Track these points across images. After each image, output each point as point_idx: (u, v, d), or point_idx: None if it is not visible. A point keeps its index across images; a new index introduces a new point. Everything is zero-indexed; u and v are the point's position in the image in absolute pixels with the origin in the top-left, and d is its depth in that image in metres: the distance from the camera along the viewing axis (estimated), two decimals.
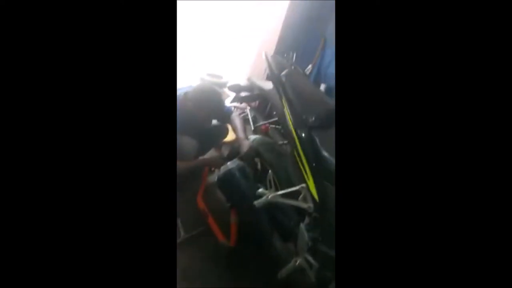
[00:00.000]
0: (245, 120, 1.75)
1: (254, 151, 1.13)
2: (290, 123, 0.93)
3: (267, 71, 1.15)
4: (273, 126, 1.59)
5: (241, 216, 1.15)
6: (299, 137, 0.91)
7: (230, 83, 2.63)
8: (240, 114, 1.84)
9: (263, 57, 1.04)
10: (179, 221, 1.29)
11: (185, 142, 1.27)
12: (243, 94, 1.26)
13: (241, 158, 1.15)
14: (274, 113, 1.64)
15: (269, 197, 0.96)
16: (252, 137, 1.19)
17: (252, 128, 1.78)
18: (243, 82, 2.31)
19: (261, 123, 1.48)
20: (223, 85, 2.55)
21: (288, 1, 1.99)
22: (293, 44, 2.16)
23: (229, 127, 1.47)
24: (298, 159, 0.94)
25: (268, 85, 1.11)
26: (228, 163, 1.08)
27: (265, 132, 1.65)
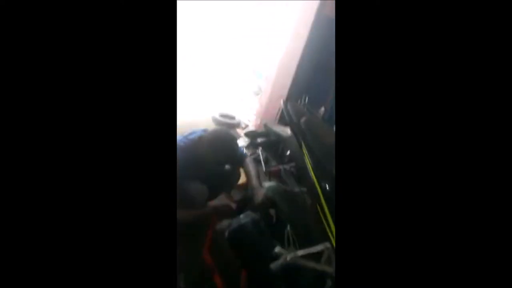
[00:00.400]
0: (256, 161, 1.69)
1: (269, 201, 1.03)
2: (312, 173, 0.85)
3: (284, 114, 1.11)
4: (286, 167, 1.51)
5: (254, 278, 1.00)
6: (323, 189, 0.82)
7: (242, 123, 2.66)
8: (251, 154, 1.78)
9: (281, 103, 1.01)
10: (181, 277, 1.14)
11: (195, 188, 1.19)
12: (259, 140, 1.21)
13: (255, 209, 1.05)
14: (288, 153, 1.57)
15: (288, 258, 0.83)
16: (267, 184, 1.10)
17: (264, 169, 1.71)
18: (258, 126, 2.33)
19: (275, 167, 1.40)
20: (236, 125, 2.55)
21: (303, 44, 2.06)
22: (306, 87, 2.18)
23: (242, 170, 1.39)
24: (321, 213, 0.84)
25: (284, 130, 1.06)
26: (241, 216, 0.98)
27: (277, 174, 1.56)
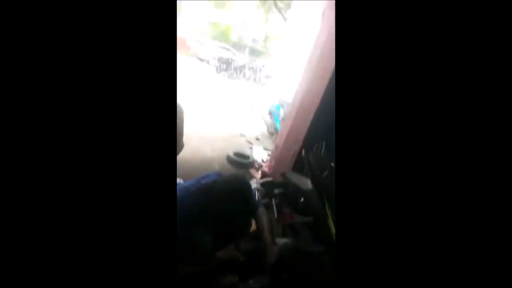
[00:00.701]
0: (269, 208, 1.57)
1: (284, 263, 0.91)
2: (334, 235, 0.74)
3: (304, 162, 1.04)
4: (302, 219, 1.37)
5: None
6: None
7: (256, 163, 2.59)
8: (263, 199, 1.67)
9: (303, 154, 0.94)
10: None
11: (201, 236, 1.09)
12: (276, 191, 1.12)
13: (265, 270, 0.92)
14: (301, 200, 1.46)
15: None
16: (281, 241, 0.98)
17: (276, 216, 1.58)
18: (271, 168, 2.25)
19: (289, 217, 1.28)
20: (249, 165, 2.49)
21: (323, 91, 2.06)
22: (324, 133, 2.13)
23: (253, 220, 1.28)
24: None
25: (304, 182, 0.97)
26: (250, 281, 0.85)
27: (290, 223, 1.43)
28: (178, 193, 1.09)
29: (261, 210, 1.16)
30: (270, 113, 3.72)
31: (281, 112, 3.46)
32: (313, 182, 0.89)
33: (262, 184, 1.19)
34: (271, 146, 3.13)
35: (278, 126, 3.47)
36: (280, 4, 14.71)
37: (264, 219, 1.11)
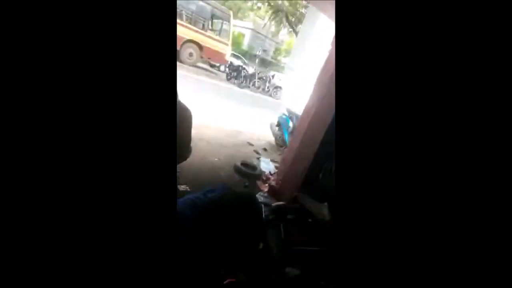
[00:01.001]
0: (275, 227, 1.50)
1: None
2: None
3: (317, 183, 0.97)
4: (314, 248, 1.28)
5: None
6: None
7: (264, 175, 2.53)
8: (274, 222, 1.60)
9: (315, 173, 0.88)
10: None
11: (202, 254, 1.02)
12: (289, 216, 1.05)
13: None
14: (315, 226, 1.38)
15: None
16: (291, 272, 0.91)
17: (283, 236, 1.51)
18: (278, 182, 2.19)
19: (298, 241, 1.20)
20: (257, 177, 2.42)
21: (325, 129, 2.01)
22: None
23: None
24: None
25: (319, 209, 0.90)
26: None
27: (302, 250, 1.35)
28: (182, 205, 1.03)
29: (270, 235, 1.09)
30: (279, 124, 3.66)
31: (290, 124, 3.40)
32: (331, 212, 0.82)
33: (273, 206, 1.12)
34: (278, 158, 3.06)
35: (287, 138, 3.41)
36: (291, 18, 14.88)
37: (273, 244, 1.04)
